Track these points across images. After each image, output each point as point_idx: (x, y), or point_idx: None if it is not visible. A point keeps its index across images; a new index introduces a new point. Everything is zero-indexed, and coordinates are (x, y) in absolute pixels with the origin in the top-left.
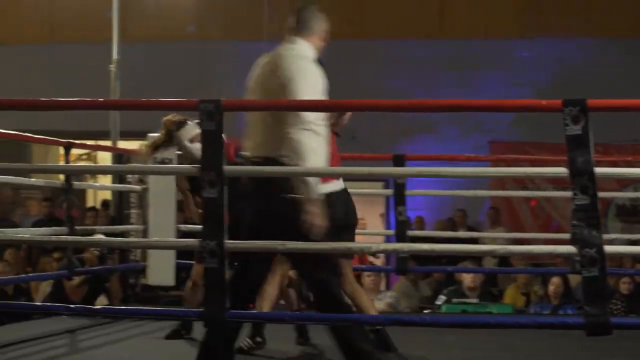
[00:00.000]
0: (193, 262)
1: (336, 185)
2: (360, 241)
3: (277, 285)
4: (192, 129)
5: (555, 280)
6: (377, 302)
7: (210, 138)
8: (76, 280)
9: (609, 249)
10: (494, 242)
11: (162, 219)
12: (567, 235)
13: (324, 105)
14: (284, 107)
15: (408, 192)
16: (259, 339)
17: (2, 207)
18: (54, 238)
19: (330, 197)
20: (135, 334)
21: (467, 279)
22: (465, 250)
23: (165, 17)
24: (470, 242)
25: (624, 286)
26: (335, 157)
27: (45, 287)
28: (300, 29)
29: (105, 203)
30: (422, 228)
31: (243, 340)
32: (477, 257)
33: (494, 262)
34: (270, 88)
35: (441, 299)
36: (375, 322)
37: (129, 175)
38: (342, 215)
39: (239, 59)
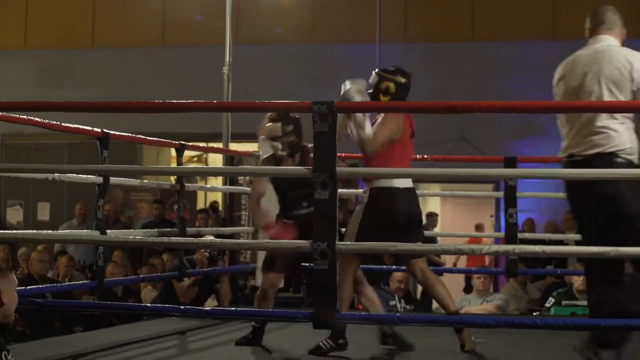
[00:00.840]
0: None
1: (404, 182)
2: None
3: (351, 284)
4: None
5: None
6: (486, 304)
7: (323, 139)
8: (186, 281)
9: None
10: None
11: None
12: None
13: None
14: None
15: (519, 194)
16: (341, 341)
17: (113, 208)
18: (165, 239)
19: (395, 192)
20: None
21: (577, 281)
22: (575, 252)
23: (276, 20)
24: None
25: None
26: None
27: (149, 291)
28: (604, 27)
29: (213, 205)
30: (531, 230)
31: (324, 340)
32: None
33: None
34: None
35: (550, 301)
36: (486, 324)
37: (240, 177)
38: (406, 213)
39: (349, 61)
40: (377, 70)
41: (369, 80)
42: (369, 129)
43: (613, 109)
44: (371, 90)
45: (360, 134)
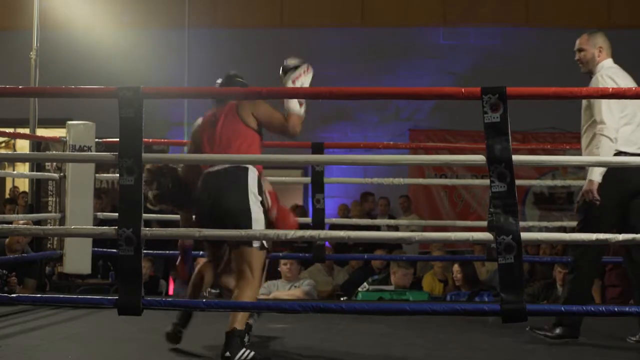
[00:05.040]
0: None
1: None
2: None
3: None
4: None
5: (455, 267)
6: (294, 289)
7: (129, 125)
8: None
9: (525, 236)
10: (408, 230)
11: (80, 207)
12: (484, 223)
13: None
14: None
15: (326, 179)
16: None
17: None
18: None
19: None
20: (51, 322)
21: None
22: (383, 238)
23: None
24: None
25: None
26: None
27: None
28: None
29: (19, 192)
30: (347, 216)
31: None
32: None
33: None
34: None
35: (364, 286)
36: (296, 309)
37: (47, 163)
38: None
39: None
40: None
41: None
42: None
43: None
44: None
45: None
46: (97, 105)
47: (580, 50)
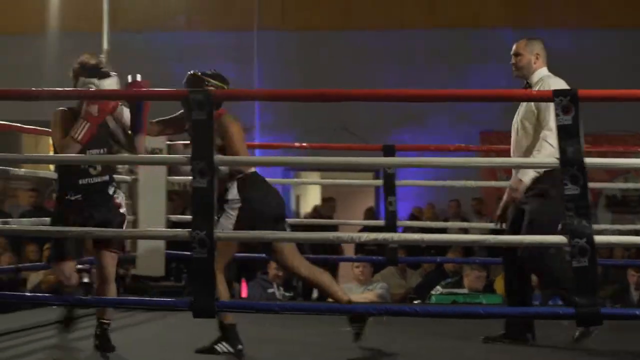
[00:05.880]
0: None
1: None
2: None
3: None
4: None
5: None
6: (367, 292)
7: (201, 128)
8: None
9: (599, 239)
10: (481, 233)
11: (152, 209)
12: None
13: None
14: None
15: (398, 182)
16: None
17: None
18: (42, 228)
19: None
20: (125, 324)
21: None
22: (454, 240)
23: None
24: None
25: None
26: None
27: (35, 278)
28: None
29: None
30: (420, 219)
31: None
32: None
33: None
34: None
35: (437, 289)
36: (366, 312)
37: (119, 166)
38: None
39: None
40: (195, 72)
41: (184, 82)
42: None
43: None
44: None
45: None
46: (167, 107)
47: (516, 54)
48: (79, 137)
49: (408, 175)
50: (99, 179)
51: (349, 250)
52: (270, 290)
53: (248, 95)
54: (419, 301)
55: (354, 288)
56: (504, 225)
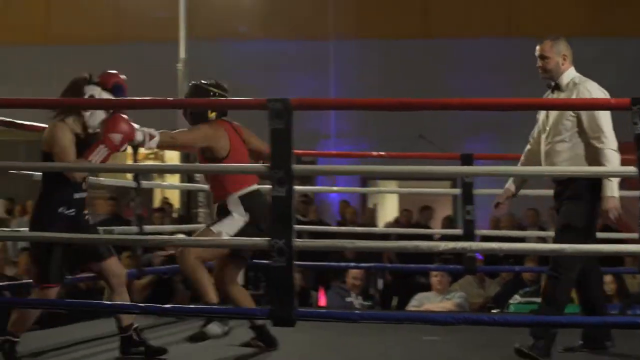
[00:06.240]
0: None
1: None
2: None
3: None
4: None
5: (608, 278)
6: (445, 301)
7: (279, 136)
8: (144, 279)
9: None
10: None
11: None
12: (635, 235)
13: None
14: None
15: (476, 191)
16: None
17: None
18: (122, 237)
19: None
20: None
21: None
22: (532, 249)
23: (232, 16)
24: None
25: None
26: None
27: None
28: None
29: (166, 202)
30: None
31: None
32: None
33: None
34: None
35: (516, 298)
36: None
37: (197, 174)
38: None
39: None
40: (198, 82)
41: (186, 94)
42: None
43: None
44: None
45: None
46: (244, 116)
47: (542, 57)
48: (97, 162)
49: (486, 183)
50: (85, 194)
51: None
52: (348, 299)
53: (327, 104)
54: (497, 310)
55: (432, 297)
56: None
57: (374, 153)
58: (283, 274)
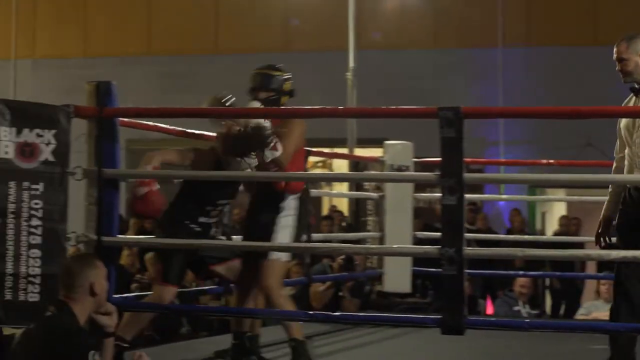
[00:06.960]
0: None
1: None
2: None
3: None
4: None
5: None
6: None
7: (450, 145)
8: (322, 286)
9: None
10: None
11: (399, 226)
12: None
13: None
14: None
15: None
16: None
17: (241, 213)
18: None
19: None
20: (371, 340)
21: None
22: None
23: (400, 25)
24: None
25: None
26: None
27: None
28: None
29: (334, 211)
30: None
31: None
32: None
33: None
34: None
35: None
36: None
37: (365, 183)
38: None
39: (472, 66)
40: (275, 69)
41: (267, 84)
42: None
43: None
44: (274, 95)
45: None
46: (412, 124)
47: (620, 60)
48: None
49: None
50: (213, 220)
51: (590, 267)
52: (516, 308)
53: (498, 113)
54: None
55: (600, 305)
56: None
57: (544, 161)
58: (453, 282)
